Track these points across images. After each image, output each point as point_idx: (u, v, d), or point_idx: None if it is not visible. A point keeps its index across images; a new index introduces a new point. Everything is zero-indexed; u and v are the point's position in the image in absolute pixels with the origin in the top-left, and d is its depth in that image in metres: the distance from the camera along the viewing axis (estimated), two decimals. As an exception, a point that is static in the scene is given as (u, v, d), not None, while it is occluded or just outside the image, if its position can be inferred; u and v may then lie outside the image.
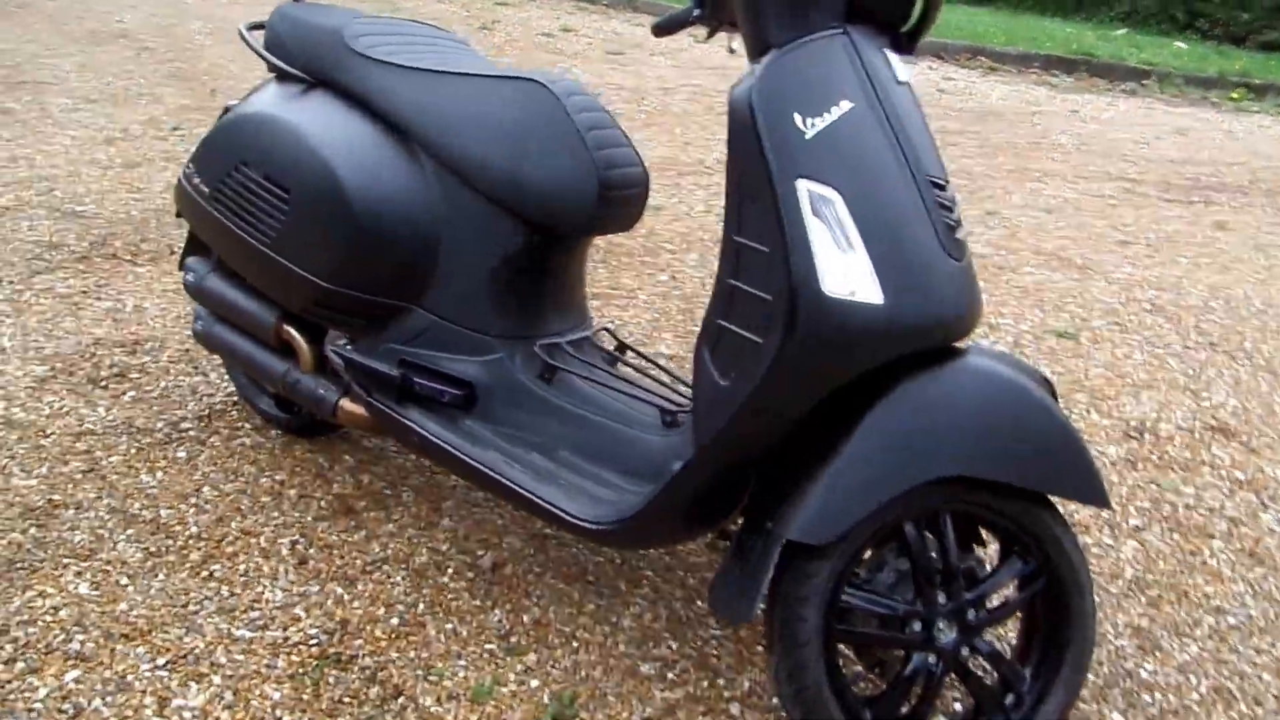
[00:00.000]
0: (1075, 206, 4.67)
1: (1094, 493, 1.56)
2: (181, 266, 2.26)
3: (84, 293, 2.97)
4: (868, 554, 1.62)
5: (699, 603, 1.97)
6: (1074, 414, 2.79)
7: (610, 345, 2.05)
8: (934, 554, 1.57)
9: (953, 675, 1.60)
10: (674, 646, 1.86)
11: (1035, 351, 3.15)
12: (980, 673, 1.63)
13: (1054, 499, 1.58)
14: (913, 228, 1.43)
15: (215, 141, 2.05)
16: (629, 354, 2.03)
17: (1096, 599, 1.93)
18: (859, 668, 1.68)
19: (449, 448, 1.77)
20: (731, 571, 1.55)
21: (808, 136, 1.40)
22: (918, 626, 1.56)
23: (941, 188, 1.49)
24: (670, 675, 1.80)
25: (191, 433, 2.38)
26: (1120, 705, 1.83)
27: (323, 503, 2.18)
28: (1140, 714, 1.81)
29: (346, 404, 1.95)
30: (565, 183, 1.76)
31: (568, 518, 1.63)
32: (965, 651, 1.59)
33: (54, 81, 5.14)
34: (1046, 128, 6.24)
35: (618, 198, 1.78)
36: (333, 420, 1.99)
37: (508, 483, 1.70)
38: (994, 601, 1.64)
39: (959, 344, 1.56)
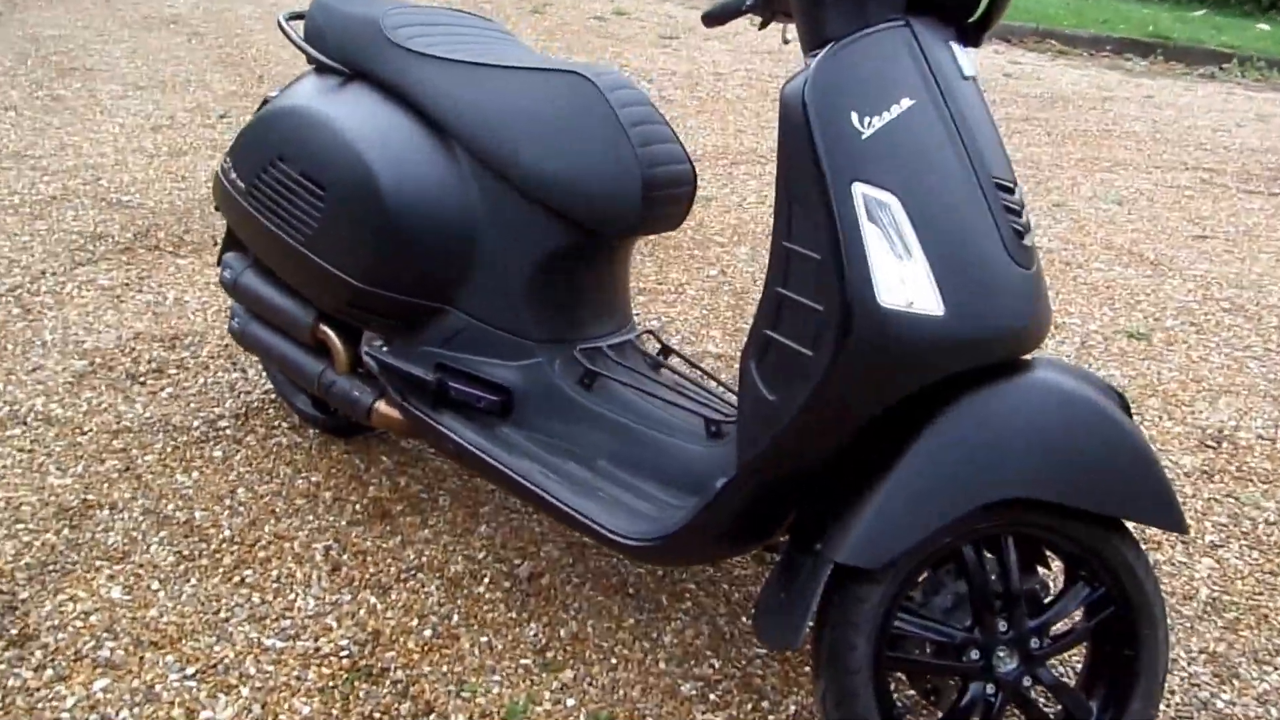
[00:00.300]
0: (1149, 198, 4.51)
1: (1169, 516, 1.47)
2: (219, 262, 2.24)
3: (125, 285, 2.98)
4: (923, 576, 1.55)
5: (743, 619, 1.91)
6: (1146, 421, 2.68)
7: (654, 348, 1.99)
8: (994, 578, 1.50)
9: (1012, 706, 1.53)
10: (716, 665, 1.81)
11: (1104, 353, 3.03)
12: (1043, 703, 1.55)
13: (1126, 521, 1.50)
14: (976, 234, 1.35)
15: (252, 135, 2.02)
16: (673, 358, 1.97)
17: (1170, 623, 1.84)
18: (911, 693, 1.62)
19: (485, 456, 1.72)
20: (777, 593, 1.49)
21: (864, 137, 1.33)
22: (975, 654, 1.49)
23: (1009, 190, 1.41)
24: (712, 696, 1.74)
25: (228, 431, 2.37)
26: (1194, 739, 1.74)
27: (358, 506, 2.15)
28: (1215, 750, 1.72)
29: (381, 407, 1.92)
30: (608, 181, 1.71)
31: (606, 533, 1.58)
32: (1026, 681, 1.51)
33: (104, 68, 5.20)
34: (1119, 114, 6.05)
35: (663, 197, 1.72)
36: (367, 423, 1.96)
37: (545, 495, 1.65)
38: (1059, 628, 1.56)
39: (1025, 356, 1.49)
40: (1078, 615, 1.56)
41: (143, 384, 2.52)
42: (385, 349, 1.90)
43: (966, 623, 1.50)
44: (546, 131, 1.75)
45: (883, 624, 1.45)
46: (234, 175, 2.04)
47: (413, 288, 1.82)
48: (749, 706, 1.73)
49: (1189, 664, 1.90)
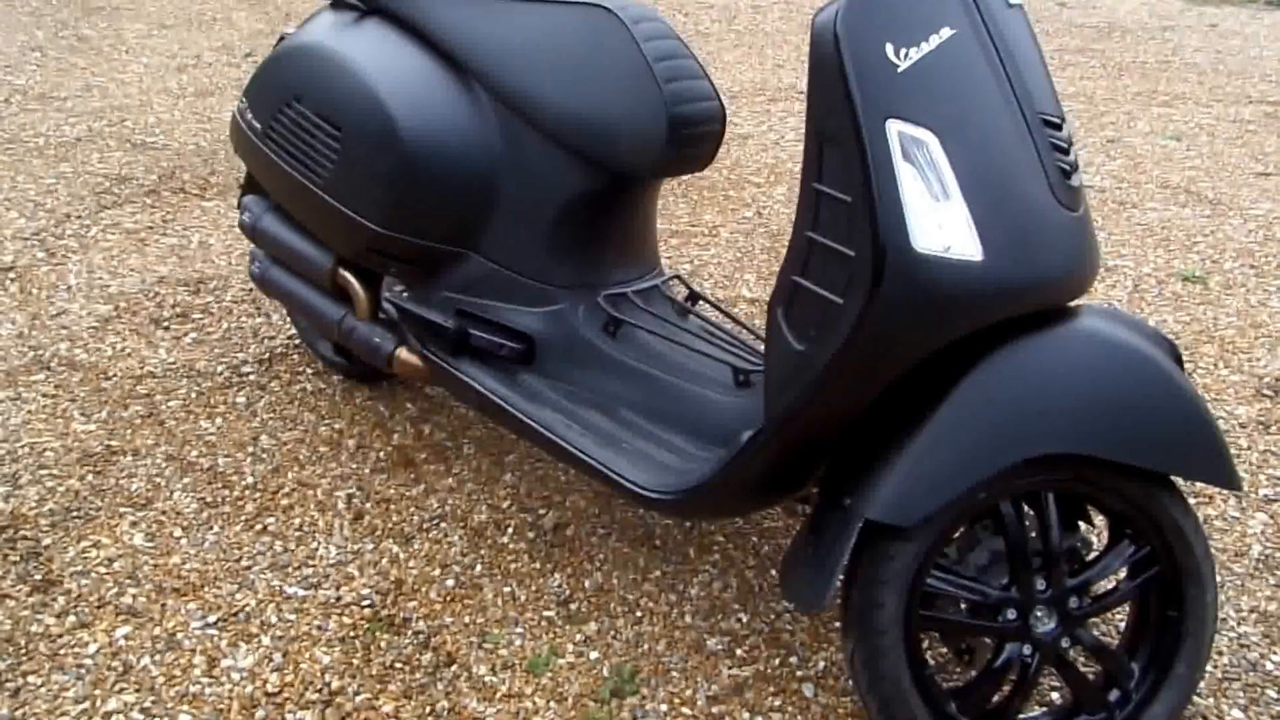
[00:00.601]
0: (1209, 133, 4.35)
1: (1221, 473, 1.41)
2: (239, 205, 2.22)
3: (150, 228, 2.98)
4: (959, 532, 1.51)
5: (772, 572, 1.89)
6: (1200, 369, 2.59)
7: (682, 294, 1.94)
8: (1034, 535, 1.45)
9: (1050, 667, 1.49)
10: (744, 620, 1.78)
11: (1158, 298, 2.94)
12: (1082, 665, 1.51)
13: (1175, 478, 1.44)
14: (1019, 174, 1.28)
15: (267, 75, 1.98)
16: (702, 304, 1.92)
17: (1219, 582, 1.79)
18: (946, 651, 1.58)
19: (506, 405, 1.70)
20: (805, 550, 1.45)
21: (900, 70, 1.26)
22: (1012, 614, 1.45)
23: (1056, 127, 1.34)
24: (739, 651, 1.72)
25: (252, 377, 2.36)
26: (1241, 701, 1.69)
27: (381, 454, 2.14)
28: (1265, 712, 1.67)
29: (403, 354, 1.89)
30: (631, 120, 1.65)
31: (629, 486, 1.55)
32: (1065, 642, 1.47)
33: (130, 6, 5.18)
34: (1179, 45, 5.83)
35: (689, 136, 1.66)
36: (389, 370, 1.94)
37: (567, 445, 1.62)
38: (1101, 587, 1.51)
39: (1071, 304, 1.42)
40: (1122, 574, 1.52)
41: (167, 329, 2.52)
42: (406, 295, 1.87)
43: (1003, 581, 1.46)
44: (568, 68, 1.70)
45: (913, 582, 1.41)
46: (250, 116, 2.00)
47: (432, 232, 1.78)
48: (776, 662, 1.71)
49: (1239, 624, 1.85)
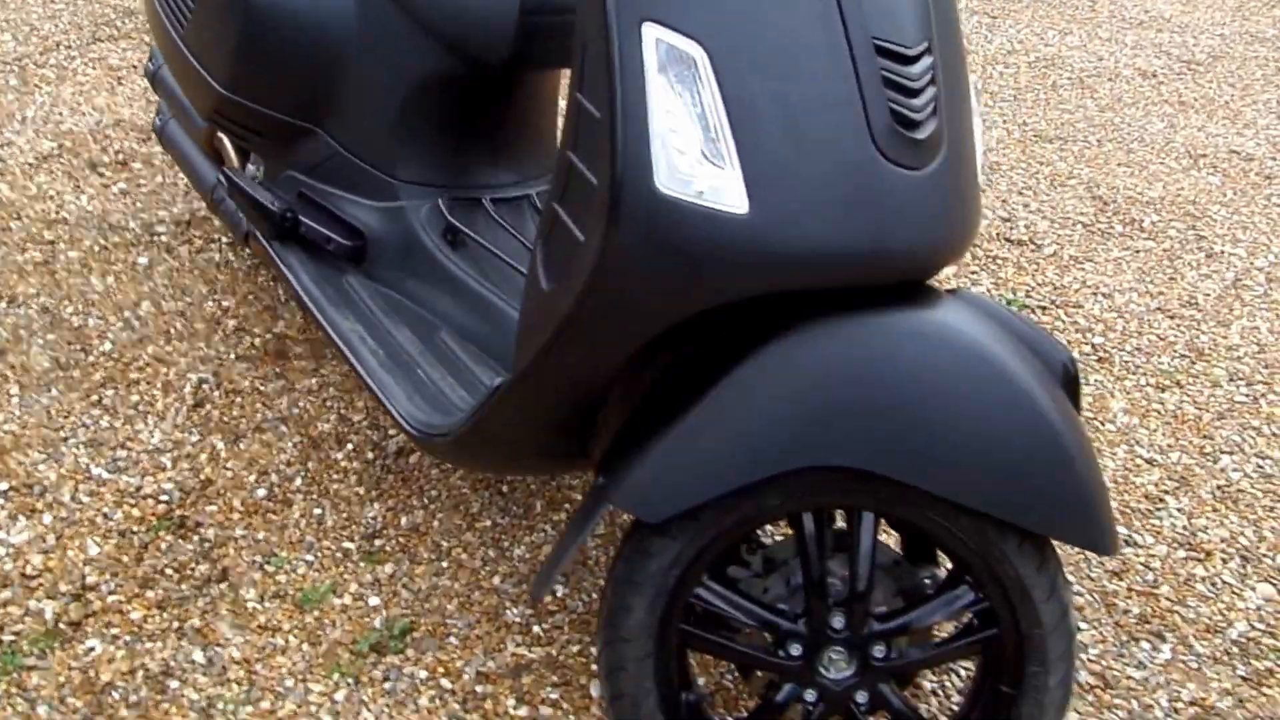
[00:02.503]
0: None
1: (1086, 530, 1.18)
2: (151, 54, 2.16)
3: (134, 67, 2.98)
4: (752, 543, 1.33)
5: (614, 548, 1.74)
6: None
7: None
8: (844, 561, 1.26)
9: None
10: (558, 594, 1.65)
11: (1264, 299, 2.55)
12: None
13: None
14: (825, 114, 1.06)
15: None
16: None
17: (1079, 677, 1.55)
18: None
19: (311, 304, 1.59)
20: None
21: (666, -44, 1.05)
22: (796, 650, 1.27)
23: (904, 59, 1.10)
24: (538, 629, 1.59)
25: (163, 238, 2.33)
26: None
27: (257, 341, 2.08)
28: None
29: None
30: (482, 1, 1.49)
31: (396, 417, 1.43)
32: (862, 696, 1.28)
33: None
34: None
35: (545, 25, 1.48)
36: (246, 249, 1.86)
37: (353, 361, 1.51)
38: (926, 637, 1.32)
39: (938, 288, 1.20)
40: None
41: (100, 175, 2.52)
42: (253, 171, 1.78)
43: (798, 610, 1.28)
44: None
45: (675, 590, 1.25)
46: None
47: (277, 102, 1.67)
48: (575, 649, 1.57)
49: (1167, 715, 1.59)
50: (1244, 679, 1.65)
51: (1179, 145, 3.25)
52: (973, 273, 2.55)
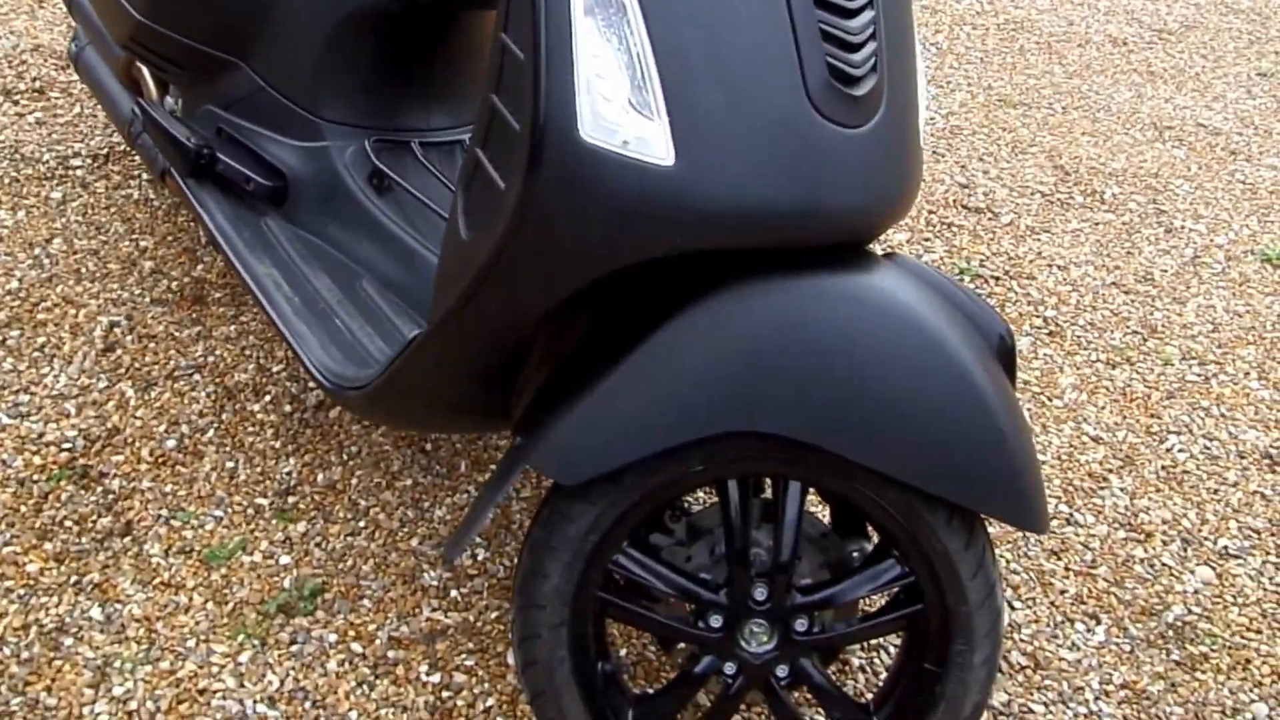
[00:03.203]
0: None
1: (1016, 508, 1.18)
2: None
3: (60, -10, 2.89)
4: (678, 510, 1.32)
5: (542, 510, 1.72)
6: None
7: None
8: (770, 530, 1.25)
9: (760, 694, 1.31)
10: (479, 558, 1.63)
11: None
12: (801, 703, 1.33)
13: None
14: (759, 67, 1.04)
15: None
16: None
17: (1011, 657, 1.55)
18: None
19: (224, 246, 1.55)
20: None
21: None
22: (716, 621, 1.26)
23: (843, 12, 1.08)
24: (456, 593, 1.57)
25: (79, 172, 2.27)
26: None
27: (174, 285, 2.03)
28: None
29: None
30: None
31: (310, 367, 1.40)
32: (782, 670, 1.28)
33: None
34: None
35: None
36: (163, 187, 1.81)
37: (267, 307, 1.47)
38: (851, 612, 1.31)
39: (875, 251, 1.19)
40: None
41: (15, 102, 2.44)
42: (171, 104, 1.72)
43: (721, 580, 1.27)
44: None
45: (593, 556, 1.23)
46: None
47: (197, 31, 1.62)
48: (493, 616, 1.55)
49: (1097, 699, 1.60)
50: (1177, 663, 1.67)
51: (1145, 116, 3.25)
52: (926, 240, 2.54)
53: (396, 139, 1.61)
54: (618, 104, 1.03)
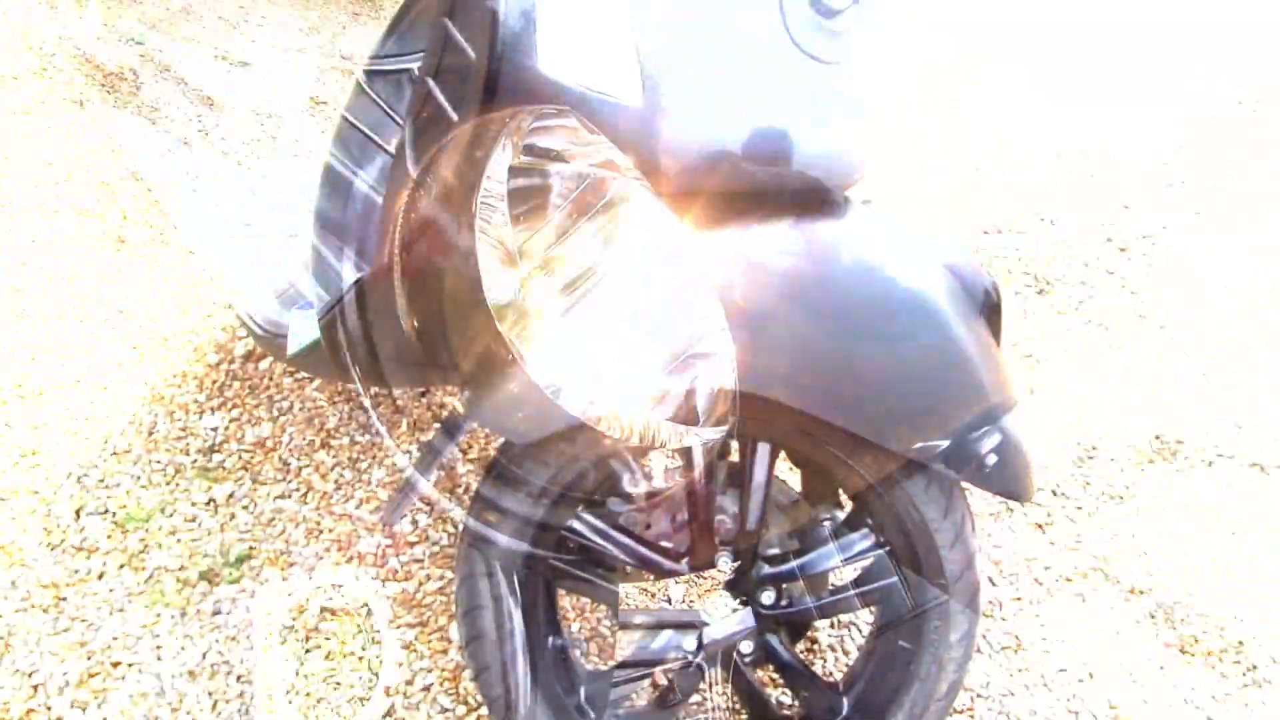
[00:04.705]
0: None
1: (997, 472, 1.16)
2: None
3: None
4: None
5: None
6: None
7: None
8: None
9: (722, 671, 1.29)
10: (420, 524, 1.58)
11: None
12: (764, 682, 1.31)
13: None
14: None
15: None
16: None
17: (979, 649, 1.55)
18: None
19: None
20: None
21: None
22: (675, 594, 1.24)
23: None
24: (394, 562, 1.53)
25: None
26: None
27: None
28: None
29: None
30: None
31: (242, 313, 1.35)
32: (747, 647, 1.26)
33: None
34: None
35: None
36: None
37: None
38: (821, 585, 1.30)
39: (843, 196, 1.16)
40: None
41: None
42: None
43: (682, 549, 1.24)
44: None
45: (544, 522, 1.20)
46: None
47: None
48: (434, 588, 1.51)
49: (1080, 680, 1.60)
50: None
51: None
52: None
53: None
54: (583, 35, 0.99)
